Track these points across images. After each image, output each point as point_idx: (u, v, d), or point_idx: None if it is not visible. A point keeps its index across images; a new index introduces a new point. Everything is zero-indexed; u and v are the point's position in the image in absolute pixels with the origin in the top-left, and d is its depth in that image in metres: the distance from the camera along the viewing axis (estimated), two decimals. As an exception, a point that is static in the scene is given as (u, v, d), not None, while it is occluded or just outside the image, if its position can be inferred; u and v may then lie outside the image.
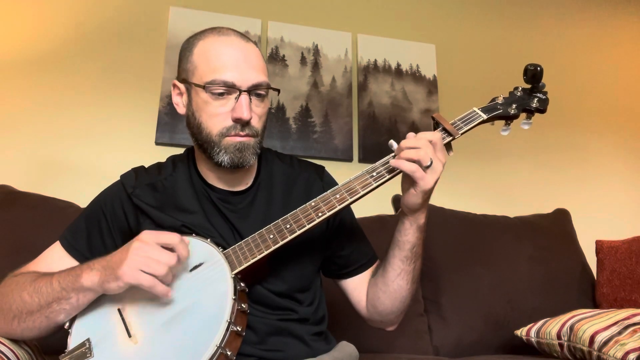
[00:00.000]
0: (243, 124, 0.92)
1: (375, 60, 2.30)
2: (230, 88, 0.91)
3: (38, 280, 0.87)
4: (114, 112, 1.95)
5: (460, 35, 2.48)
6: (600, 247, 1.79)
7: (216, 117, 0.92)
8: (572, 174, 2.42)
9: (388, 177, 0.91)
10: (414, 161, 0.86)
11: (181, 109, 0.99)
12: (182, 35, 2.08)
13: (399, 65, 2.32)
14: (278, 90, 1.00)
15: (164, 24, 2.09)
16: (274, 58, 2.17)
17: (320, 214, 0.89)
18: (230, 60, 0.92)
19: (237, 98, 0.91)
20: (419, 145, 0.87)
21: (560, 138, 2.46)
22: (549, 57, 2.57)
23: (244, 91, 0.91)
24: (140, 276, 0.78)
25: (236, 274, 0.85)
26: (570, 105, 2.52)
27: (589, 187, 2.41)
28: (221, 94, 0.91)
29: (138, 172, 1.03)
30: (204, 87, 0.91)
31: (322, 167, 1.13)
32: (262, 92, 0.95)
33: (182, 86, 0.98)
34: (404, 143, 0.89)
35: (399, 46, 2.35)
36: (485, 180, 2.29)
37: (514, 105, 1.02)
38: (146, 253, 0.79)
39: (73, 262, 0.96)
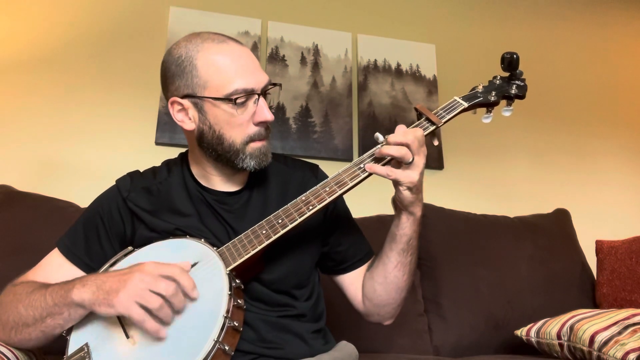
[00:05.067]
0: (266, 126, 0.94)
1: (375, 60, 2.30)
2: (250, 94, 0.91)
3: (33, 293, 0.87)
4: (114, 112, 1.95)
5: (460, 35, 2.48)
6: (600, 247, 1.79)
7: (240, 126, 0.92)
8: (572, 174, 2.42)
9: None
10: (394, 157, 0.89)
11: (189, 125, 0.95)
12: (182, 35, 2.07)
13: (399, 65, 2.32)
14: (280, 85, 1.01)
15: (164, 24, 2.09)
16: (274, 58, 2.17)
17: (311, 207, 0.89)
18: (242, 67, 0.92)
19: (255, 102, 0.92)
20: (407, 142, 0.88)
21: (560, 138, 2.46)
22: (549, 57, 2.57)
23: (260, 93, 0.92)
24: (133, 308, 0.76)
25: (231, 271, 0.85)
26: (571, 106, 2.52)
27: (589, 187, 2.41)
28: (242, 102, 0.91)
29: (133, 176, 1.04)
30: (226, 99, 0.90)
31: (316, 165, 1.14)
32: (269, 92, 0.96)
33: (186, 102, 0.93)
34: (391, 138, 0.90)
35: (399, 46, 2.35)
36: (485, 180, 2.29)
37: (493, 93, 1.05)
38: (145, 284, 0.77)
39: (73, 268, 0.96)
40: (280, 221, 0.89)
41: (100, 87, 1.96)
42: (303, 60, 2.21)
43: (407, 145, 0.88)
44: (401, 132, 0.90)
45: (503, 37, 2.53)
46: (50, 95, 1.91)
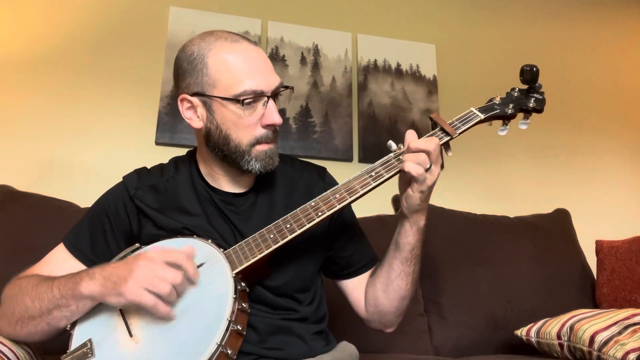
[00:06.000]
0: (274, 129, 0.94)
1: (375, 60, 2.30)
2: (259, 96, 0.90)
3: (40, 285, 0.87)
4: (114, 112, 1.95)
5: (460, 35, 2.48)
6: (600, 247, 1.79)
7: (247, 127, 0.92)
8: (572, 174, 2.42)
9: (387, 177, 0.92)
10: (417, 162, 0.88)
11: (197, 123, 0.95)
12: (182, 35, 2.09)
13: (399, 65, 2.32)
14: (292, 89, 1.00)
15: (164, 24, 2.09)
16: (274, 58, 2.17)
17: (320, 214, 0.89)
18: (253, 68, 0.91)
19: (264, 104, 0.91)
20: (429, 149, 0.88)
21: (560, 138, 2.46)
22: (549, 57, 2.57)
23: (270, 96, 0.91)
24: (143, 295, 0.77)
25: (237, 274, 0.85)
26: (571, 106, 2.52)
27: (589, 187, 2.41)
28: (250, 104, 0.90)
29: (140, 173, 1.03)
30: (234, 100, 0.89)
31: (324, 168, 1.13)
32: (280, 94, 0.96)
33: (195, 100, 0.93)
34: (413, 143, 0.89)
35: (399, 46, 2.35)
36: (485, 180, 2.29)
37: (511, 105, 1.03)
38: (152, 271, 0.78)
39: (77, 264, 0.96)
40: (288, 226, 0.89)
41: (100, 86, 1.96)
42: (303, 60, 2.21)
43: (428, 153, 0.88)
44: (423, 140, 0.90)
45: (503, 37, 2.53)
46: (50, 95, 1.90)
